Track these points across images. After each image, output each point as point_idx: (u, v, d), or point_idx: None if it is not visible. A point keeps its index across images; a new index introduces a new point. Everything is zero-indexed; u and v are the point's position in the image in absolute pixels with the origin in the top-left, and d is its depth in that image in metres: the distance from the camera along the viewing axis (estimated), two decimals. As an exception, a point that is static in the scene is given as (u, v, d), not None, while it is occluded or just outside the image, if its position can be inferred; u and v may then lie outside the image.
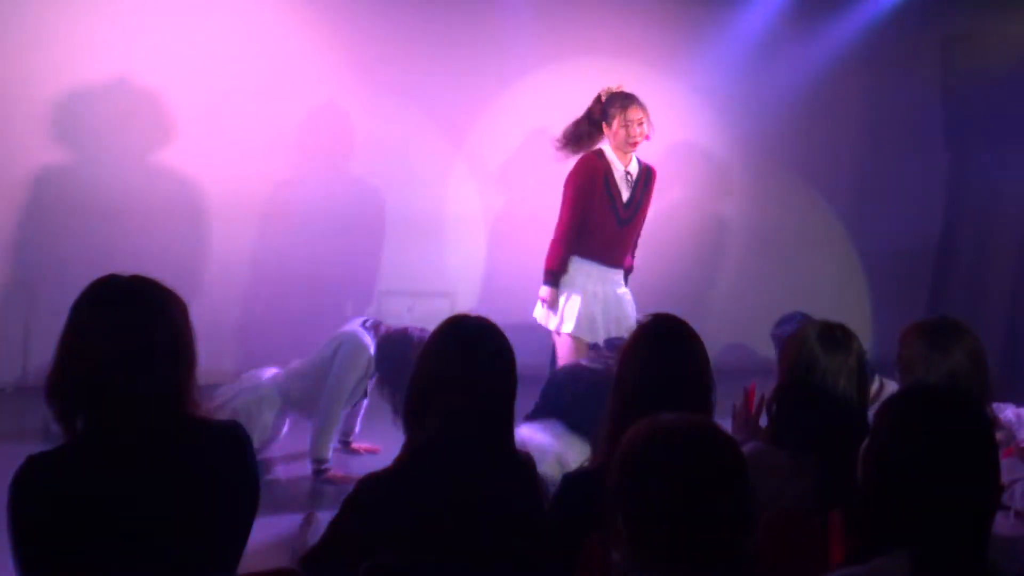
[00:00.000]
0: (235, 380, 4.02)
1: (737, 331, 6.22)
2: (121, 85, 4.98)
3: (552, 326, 4.22)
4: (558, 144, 4.33)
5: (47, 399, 1.63)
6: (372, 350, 3.85)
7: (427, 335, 3.81)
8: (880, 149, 6.81)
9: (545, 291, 4.21)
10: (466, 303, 5.62)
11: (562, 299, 4.18)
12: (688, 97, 6.25)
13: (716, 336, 5.71)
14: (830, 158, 6.71)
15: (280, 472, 3.90)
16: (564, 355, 4.20)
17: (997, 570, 1.43)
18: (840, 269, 6.85)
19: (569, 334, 4.16)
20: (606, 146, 4.23)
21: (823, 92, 6.51)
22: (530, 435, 3.35)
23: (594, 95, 4.33)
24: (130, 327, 1.63)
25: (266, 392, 3.84)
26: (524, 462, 2.03)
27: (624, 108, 4.14)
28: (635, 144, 4.17)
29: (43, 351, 1.73)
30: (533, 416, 3.64)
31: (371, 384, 3.99)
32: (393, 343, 3.82)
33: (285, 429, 3.97)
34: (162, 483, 1.61)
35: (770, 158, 6.50)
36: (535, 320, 4.31)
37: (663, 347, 2.09)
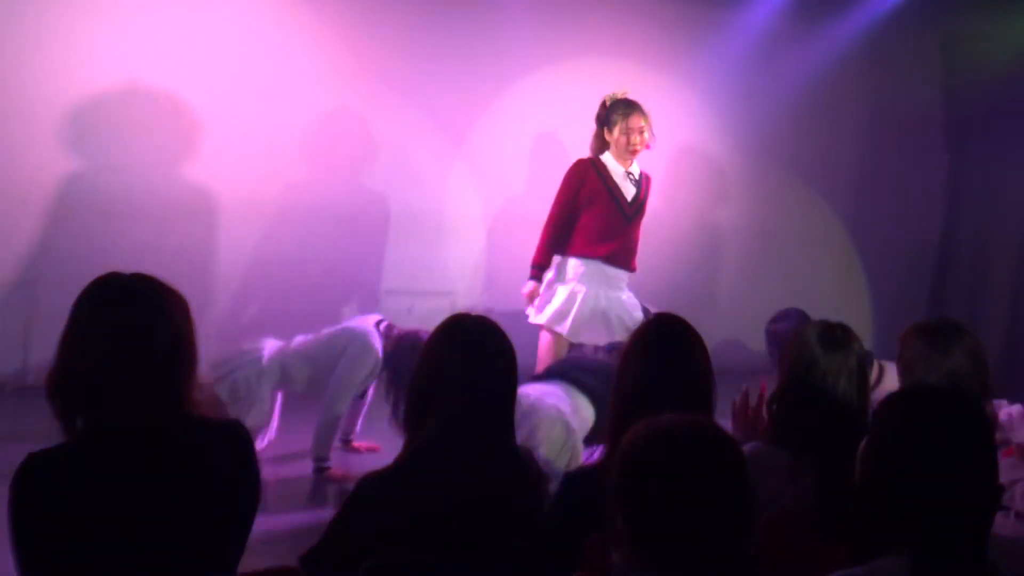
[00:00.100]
0: (234, 350, 3.94)
1: (737, 331, 6.22)
2: (122, 87, 4.98)
3: (541, 320, 4.24)
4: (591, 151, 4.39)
5: (47, 398, 1.63)
6: (380, 352, 3.85)
7: None
8: (880, 149, 6.81)
9: (529, 286, 4.26)
10: (466, 302, 5.62)
11: (561, 298, 4.19)
12: (688, 97, 6.25)
13: (716, 336, 5.72)
14: (830, 158, 6.72)
15: (280, 471, 3.89)
16: (544, 350, 4.23)
17: (997, 571, 1.43)
18: (840, 269, 6.85)
19: (548, 329, 4.19)
20: (606, 153, 4.27)
21: (823, 92, 6.52)
22: (538, 395, 3.36)
23: (595, 95, 4.35)
24: (131, 326, 1.62)
25: (267, 367, 3.83)
26: (524, 462, 2.03)
27: (626, 116, 4.19)
28: (635, 152, 4.23)
29: (43, 350, 1.73)
30: (538, 378, 3.66)
31: (372, 385, 4.00)
32: (405, 346, 3.82)
33: (278, 405, 3.97)
34: (163, 482, 1.61)
35: (770, 158, 6.51)
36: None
37: (664, 347, 2.09)
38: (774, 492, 1.98)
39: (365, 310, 5.32)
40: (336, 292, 5.54)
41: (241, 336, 4.23)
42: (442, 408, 1.89)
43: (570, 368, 3.65)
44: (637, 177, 4.29)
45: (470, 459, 1.88)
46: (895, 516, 1.43)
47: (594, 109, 4.34)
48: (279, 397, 3.96)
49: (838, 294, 6.60)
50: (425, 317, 3.84)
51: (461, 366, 1.91)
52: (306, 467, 3.83)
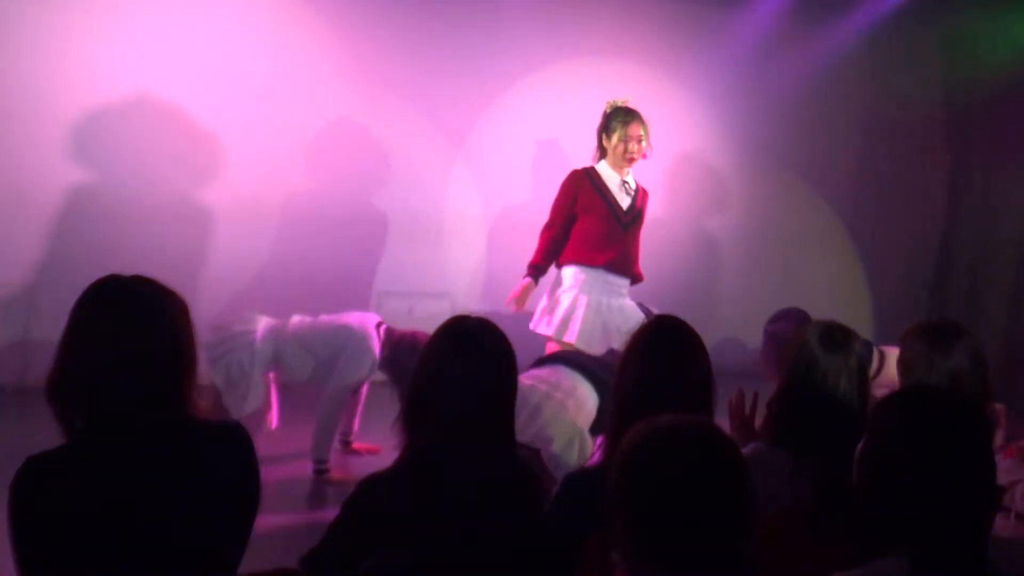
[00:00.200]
0: (227, 329, 3.90)
1: (738, 331, 6.23)
2: (123, 91, 5.00)
3: (548, 332, 4.23)
4: (595, 157, 4.40)
5: (47, 399, 1.63)
6: (377, 354, 3.86)
7: None
8: (880, 149, 6.81)
9: (523, 282, 4.30)
10: (466, 304, 5.63)
11: (565, 306, 4.19)
12: (688, 97, 6.26)
13: (717, 336, 5.73)
14: (830, 158, 6.72)
15: (280, 472, 3.89)
16: None
17: (997, 572, 1.43)
18: (840, 269, 6.85)
19: (555, 340, 4.19)
20: (602, 161, 4.28)
21: (823, 92, 6.52)
22: (546, 390, 3.34)
23: (595, 97, 4.36)
24: (131, 327, 1.63)
25: (260, 348, 3.82)
26: (524, 462, 2.03)
27: (625, 124, 4.21)
28: (631, 160, 4.25)
29: (43, 351, 1.73)
30: (541, 362, 3.66)
31: (367, 382, 4.01)
32: (404, 349, 3.82)
33: (275, 393, 3.97)
34: (163, 483, 1.61)
35: (770, 157, 6.51)
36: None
37: (664, 348, 2.09)
38: (774, 492, 1.98)
39: (365, 311, 5.32)
40: (336, 294, 5.52)
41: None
42: (442, 409, 1.89)
43: (572, 355, 3.67)
44: (633, 188, 4.30)
45: (470, 460, 1.88)
46: (894, 517, 1.43)
47: (594, 110, 4.35)
48: (275, 388, 3.96)
49: (838, 294, 6.60)
50: (425, 319, 3.84)
51: (461, 367, 1.91)
52: (306, 467, 3.84)
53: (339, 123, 5.54)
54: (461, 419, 1.88)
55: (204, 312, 3.77)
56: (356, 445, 4.21)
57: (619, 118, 4.24)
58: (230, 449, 1.72)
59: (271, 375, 3.93)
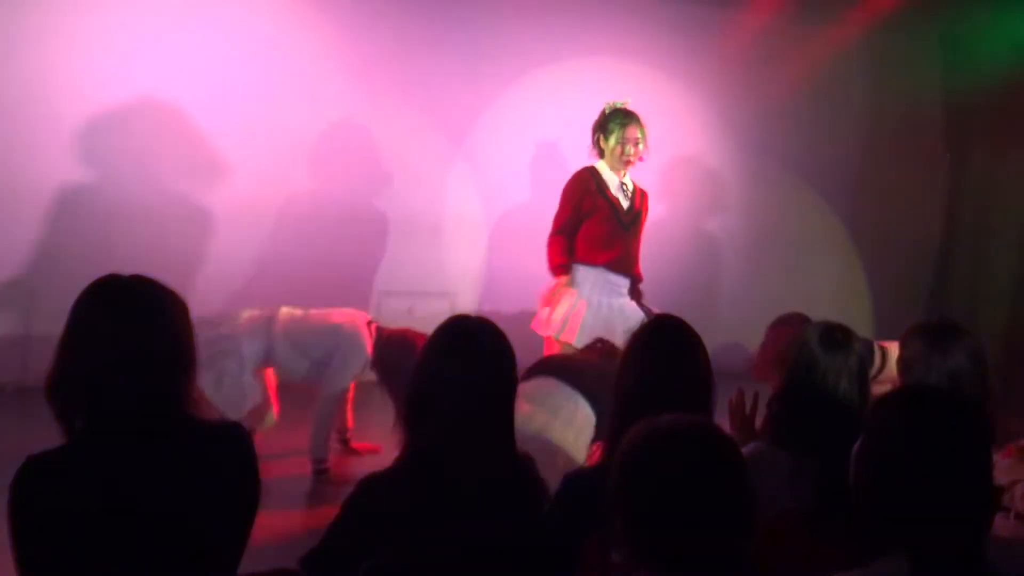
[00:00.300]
0: (211, 333, 3.79)
1: (739, 331, 6.22)
2: (123, 91, 4.99)
3: (549, 332, 4.22)
4: (592, 154, 4.38)
5: (47, 399, 1.63)
6: (369, 352, 3.86)
7: (424, 339, 3.81)
8: (880, 149, 6.81)
9: (554, 282, 4.21)
10: (466, 303, 5.63)
11: (565, 306, 4.19)
12: (688, 97, 6.26)
13: (718, 336, 5.72)
14: (830, 159, 6.72)
15: (280, 472, 3.89)
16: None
17: (996, 572, 1.43)
18: (840, 269, 6.85)
19: (555, 339, 4.17)
20: (600, 161, 4.27)
21: (823, 92, 6.52)
22: (536, 430, 3.06)
23: (594, 97, 4.36)
24: (130, 327, 1.63)
25: (247, 355, 3.80)
26: (524, 462, 2.03)
27: (623, 126, 4.21)
28: (628, 163, 4.25)
29: (43, 351, 1.73)
30: (533, 373, 3.45)
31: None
32: (392, 347, 3.82)
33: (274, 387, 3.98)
34: (162, 483, 1.61)
35: (770, 158, 6.51)
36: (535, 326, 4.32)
37: (664, 348, 2.09)
38: (774, 492, 1.98)
39: (364, 311, 5.33)
40: (336, 293, 5.52)
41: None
42: (442, 409, 1.89)
43: (569, 366, 3.47)
44: (631, 189, 4.30)
45: (470, 460, 1.88)
46: (892, 517, 1.43)
47: (594, 110, 4.34)
48: (271, 383, 3.97)
49: (838, 294, 6.60)
50: (425, 318, 3.83)
51: (461, 367, 1.91)
52: (306, 467, 3.84)
53: (339, 123, 5.54)
54: (461, 419, 1.88)
55: (203, 312, 3.76)
56: (356, 444, 4.20)
57: (617, 120, 4.24)
58: (230, 449, 1.72)
59: (267, 370, 3.92)
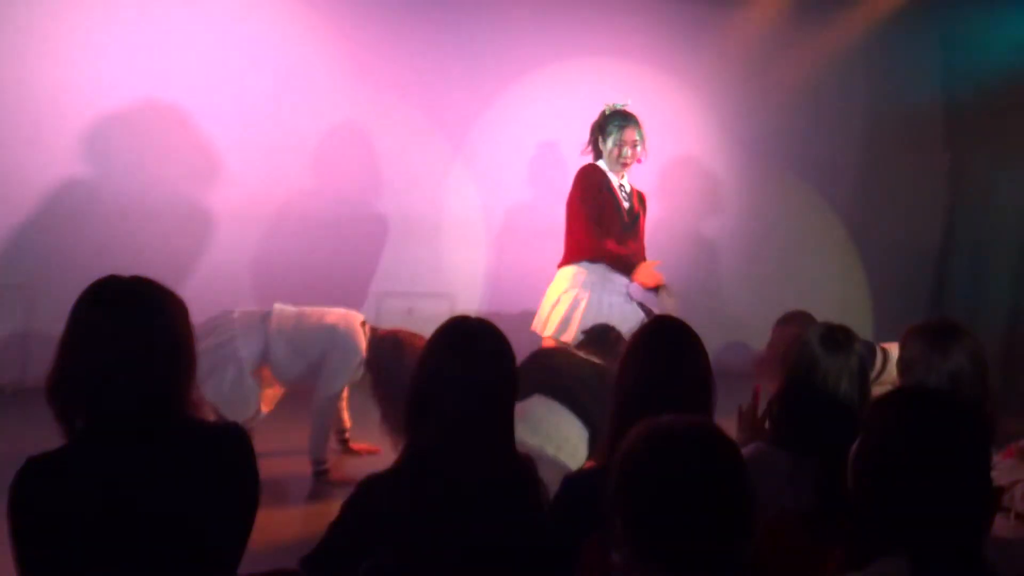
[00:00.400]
0: (208, 342, 3.76)
1: (739, 332, 6.23)
2: (124, 92, 4.99)
3: (548, 332, 4.22)
4: (584, 151, 4.37)
5: (47, 400, 1.63)
6: (363, 352, 3.86)
7: (417, 339, 3.82)
8: (880, 149, 6.81)
9: (644, 276, 4.15)
10: (466, 304, 5.62)
11: (565, 306, 4.18)
12: (688, 97, 6.26)
13: (718, 337, 5.72)
14: (830, 158, 6.72)
15: (280, 472, 3.89)
16: None
17: (995, 573, 1.43)
18: (841, 269, 6.85)
19: (553, 339, 4.17)
20: (601, 161, 4.28)
21: (823, 92, 6.52)
22: (540, 434, 3.11)
23: (594, 97, 4.36)
24: (130, 328, 1.63)
25: (246, 360, 3.80)
26: (524, 462, 2.03)
27: (621, 128, 4.22)
28: (626, 164, 4.25)
29: (43, 351, 1.73)
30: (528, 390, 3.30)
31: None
32: (384, 348, 3.82)
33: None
34: (162, 484, 1.61)
35: (770, 158, 6.51)
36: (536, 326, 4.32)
37: (663, 349, 2.09)
38: (774, 493, 1.98)
39: (364, 312, 5.33)
40: (336, 294, 5.53)
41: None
42: (441, 410, 1.89)
43: (565, 381, 3.33)
44: (628, 191, 4.31)
45: (470, 460, 1.88)
46: (891, 518, 1.43)
47: (593, 110, 4.35)
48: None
49: (839, 295, 6.59)
50: (425, 319, 3.84)
51: (461, 367, 1.91)
52: (305, 467, 3.84)
53: (339, 124, 5.54)
54: (461, 419, 1.88)
55: (203, 312, 3.76)
56: (355, 445, 4.20)
57: (616, 122, 4.24)
58: (230, 449, 1.72)
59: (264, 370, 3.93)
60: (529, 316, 4.36)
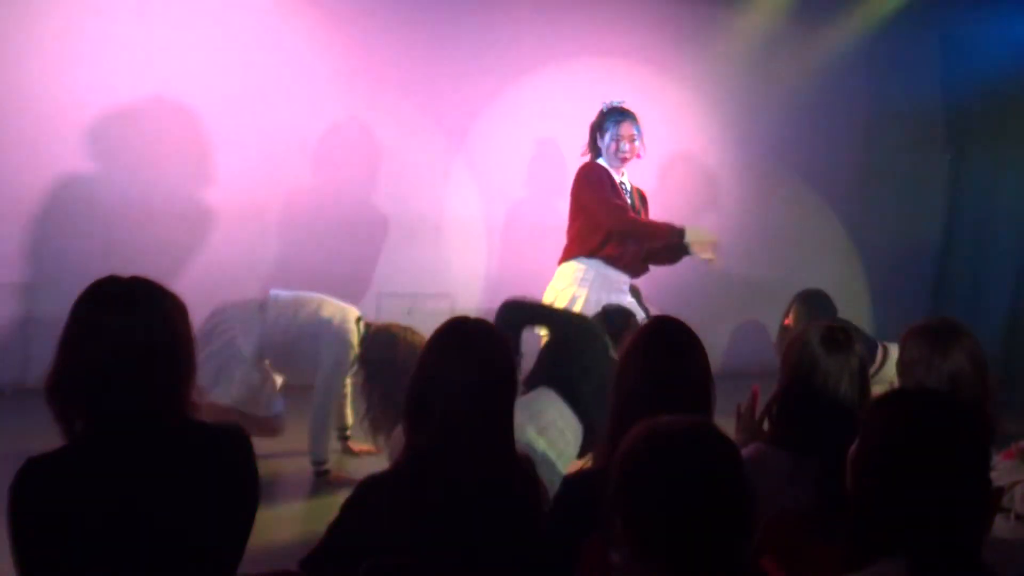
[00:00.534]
0: (210, 332, 3.79)
1: (737, 332, 6.23)
2: (123, 92, 4.99)
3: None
4: (584, 154, 4.36)
5: (47, 400, 1.63)
6: (356, 347, 3.85)
7: (410, 333, 3.82)
8: (880, 149, 6.81)
9: (694, 235, 4.20)
10: (466, 303, 5.62)
11: (563, 303, 4.18)
12: (688, 97, 6.26)
13: (716, 337, 5.73)
14: (830, 159, 6.72)
15: (280, 472, 3.89)
16: None
17: (995, 572, 1.43)
18: (841, 270, 6.85)
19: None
20: (601, 159, 4.28)
21: (823, 92, 6.52)
22: (537, 425, 3.13)
23: (594, 97, 4.37)
24: (129, 329, 1.63)
25: (249, 357, 3.82)
26: (524, 463, 2.03)
27: (618, 123, 4.23)
28: (624, 160, 4.25)
29: (43, 351, 1.73)
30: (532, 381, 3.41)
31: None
32: (377, 343, 3.82)
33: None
34: (162, 484, 1.61)
35: (770, 158, 6.51)
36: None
37: (663, 349, 2.09)
38: (774, 493, 1.98)
39: (364, 311, 5.33)
40: (336, 294, 5.53)
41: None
42: (441, 411, 1.89)
43: (566, 371, 3.37)
44: (627, 189, 4.31)
45: (470, 461, 1.88)
46: (890, 519, 1.43)
47: (593, 110, 4.35)
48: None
49: (838, 295, 6.54)
50: (425, 319, 3.83)
51: (460, 369, 1.91)
52: (306, 468, 3.84)
53: (339, 123, 5.54)
54: (461, 420, 1.88)
55: (203, 313, 3.76)
56: (354, 446, 4.20)
57: (612, 118, 4.25)
58: (229, 450, 1.72)
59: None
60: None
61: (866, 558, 1.42)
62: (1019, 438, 2.91)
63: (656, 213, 4.54)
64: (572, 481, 2.07)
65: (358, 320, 3.95)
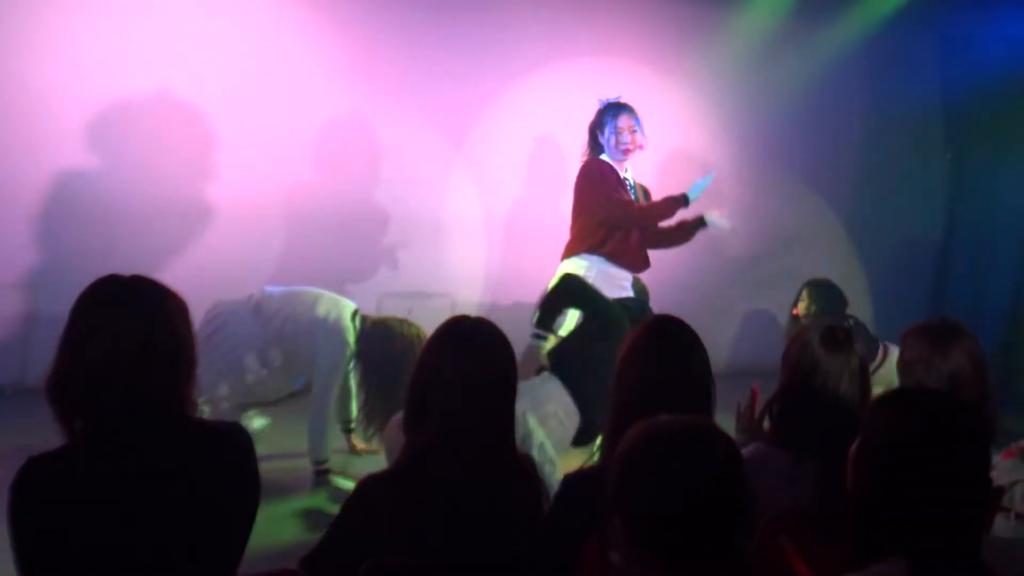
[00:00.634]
0: (204, 326, 3.76)
1: (737, 331, 6.22)
2: (123, 91, 4.99)
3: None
4: (584, 154, 4.36)
5: (47, 399, 1.63)
6: (352, 345, 3.84)
7: (407, 325, 3.82)
8: (880, 149, 6.81)
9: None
10: (466, 304, 5.62)
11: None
12: (688, 97, 6.26)
13: (716, 336, 5.72)
14: (830, 158, 6.72)
15: (280, 472, 3.89)
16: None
17: (995, 572, 1.43)
18: (841, 269, 6.84)
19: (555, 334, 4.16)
20: (603, 155, 4.28)
21: (823, 92, 6.52)
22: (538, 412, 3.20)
23: (595, 97, 4.36)
24: (130, 328, 1.63)
25: (244, 364, 3.82)
26: (524, 463, 2.03)
27: (616, 116, 4.24)
28: (626, 151, 4.23)
29: (43, 351, 1.73)
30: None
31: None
32: (373, 338, 3.82)
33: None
34: (162, 484, 1.61)
35: (770, 157, 6.51)
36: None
37: (662, 349, 2.09)
38: (774, 493, 1.98)
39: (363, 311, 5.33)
40: (336, 294, 5.55)
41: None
42: (441, 410, 1.89)
43: (574, 365, 3.46)
44: (631, 184, 4.31)
45: (469, 460, 1.88)
46: (890, 519, 1.43)
47: (593, 110, 4.34)
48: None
49: (839, 294, 6.58)
50: (424, 319, 3.84)
51: (460, 369, 1.91)
52: (306, 468, 3.84)
53: (339, 123, 5.54)
54: (461, 420, 1.88)
55: (203, 312, 3.76)
56: (358, 445, 4.20)
57: (610, 112, 4.26)
58: (229, 450, 1.72)
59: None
60: (529, 316, 4.35)
61: (866, 558, 1.42)
62: (1019, 437, 2.91)
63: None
64: (572, 481, 2.07)
65: (354, 314, 3.92)
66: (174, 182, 5.14)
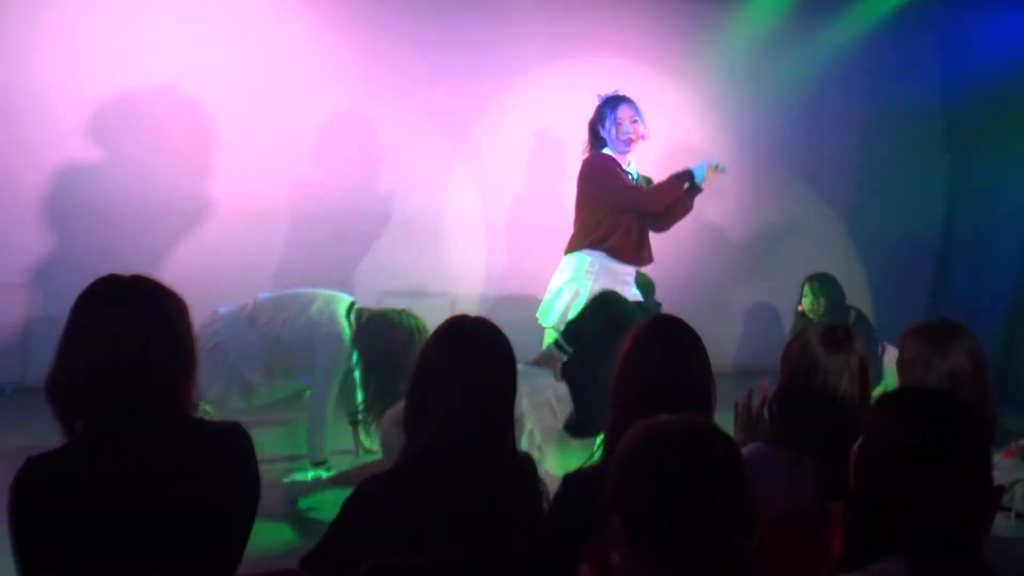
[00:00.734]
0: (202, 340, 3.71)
1: (737, 331, 6.22)
2: (122, 90, 5.00)
3: (551, 322, 4.22)
4: (585, 151, 4.36)
5: (47, 399, 1.63)
6: (348, 342, 3.83)
7: (406, 316, 3.83)
8: (880, 149, 6.81)
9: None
10: (466, 304, 5.62)
11: (567, 296, 4.17)
12: (688, 96, 6.26)
13: (715, 336, 5.72)
14: (830, 158, 6.72)
15: (280, 472, 3.89)
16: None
17: (996, 572, 1.43)
18: (841, 269, 6.83)
19: (556, 329, 4.16)
20: (606, 149, 4.27)
21: (823, 92, 6.52)
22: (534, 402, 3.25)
23: (593, 96, 4.36)
24: (130, 328, 1.63)
25: (246, 377, 3.83)
26: (524, 463, 2.03)
27: (615, 108, 4.23)
28: (628, 141, 4.22)
29: (43, 351, 1.73)
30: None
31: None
32: (372, 332, 3.81)
33: None
34: (161, 484, 1.61)
35: (770, 157, 6.51)
36: (537, 321, 4.30)
37: (662, 348, 2.09)
38: (774, 492, 1.98)
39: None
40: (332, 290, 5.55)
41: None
42: (441, 410, 1.89)
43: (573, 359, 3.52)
44: (636, 177, 4.30)
45: (469, 460, 1.88)
46: (890, 518, 1.42)
47: (593, 110, 4.34)
48: None
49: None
50: (425, 318, 3.84)
51: (459, 368, 1.90)
52: (306, 468, 3.84)
53: (339, 123, 5.54)
54: (460, 419, 1.88)
55: (203, 311, 3.76)
56: (361, 445, 4.19)
57: (609, 105, 4.25)
58: (229, 450, 1.72)
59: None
60: (530, 315, 4.36)
61: (866, 557, 1.42)
62: (1019, 436, 2.92)
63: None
64: (572, 480, 2.07)
65: (351, 308, 3.91)
66: (174, 181, 5.14)
